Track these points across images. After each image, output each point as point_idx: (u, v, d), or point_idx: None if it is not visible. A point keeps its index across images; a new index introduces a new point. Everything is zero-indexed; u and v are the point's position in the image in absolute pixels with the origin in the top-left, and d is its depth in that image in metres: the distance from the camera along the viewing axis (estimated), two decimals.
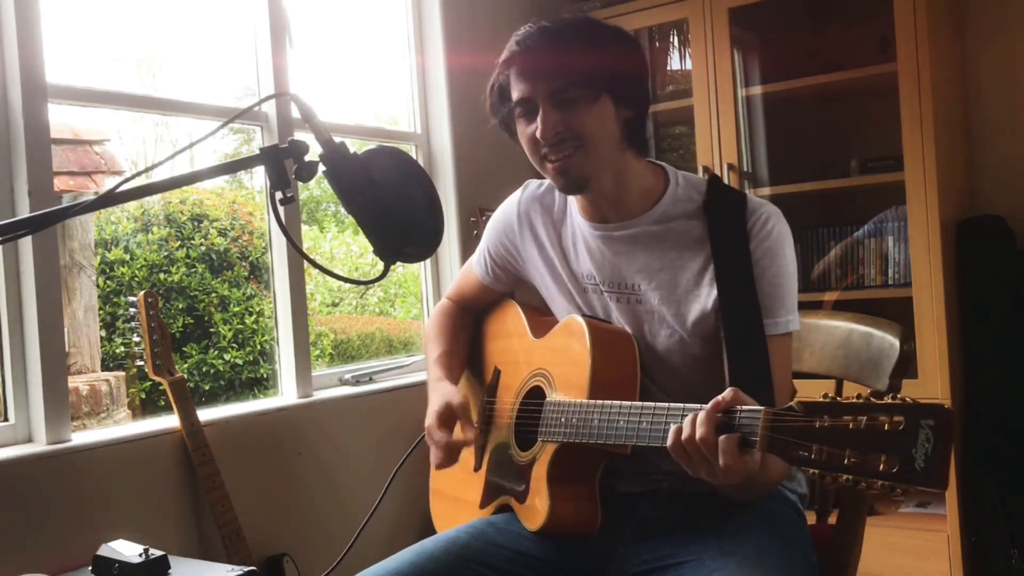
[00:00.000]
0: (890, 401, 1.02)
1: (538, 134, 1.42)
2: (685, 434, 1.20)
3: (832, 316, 1.68)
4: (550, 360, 1.56)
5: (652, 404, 1.31)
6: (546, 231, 1.60)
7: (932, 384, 2.69)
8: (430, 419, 1.55)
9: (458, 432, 1.53)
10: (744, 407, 1.17)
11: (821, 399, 1.08)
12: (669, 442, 1.22)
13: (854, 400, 1.05)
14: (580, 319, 1.48)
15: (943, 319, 2.69)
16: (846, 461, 1.03)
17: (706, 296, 1.43)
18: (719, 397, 1.19)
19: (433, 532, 1.64)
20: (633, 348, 1.47)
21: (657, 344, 1.48)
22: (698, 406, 1.22)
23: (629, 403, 1.35)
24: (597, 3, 3.27)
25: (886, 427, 1.00)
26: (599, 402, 1.38)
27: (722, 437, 1.16)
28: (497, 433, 1.63)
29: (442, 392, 1.59)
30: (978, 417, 2.79)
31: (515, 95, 1.45)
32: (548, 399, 1.50)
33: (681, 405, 1.26)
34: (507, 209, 1.68)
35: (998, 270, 2.83)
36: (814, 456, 1.06)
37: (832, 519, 1.58)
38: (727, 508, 1.40)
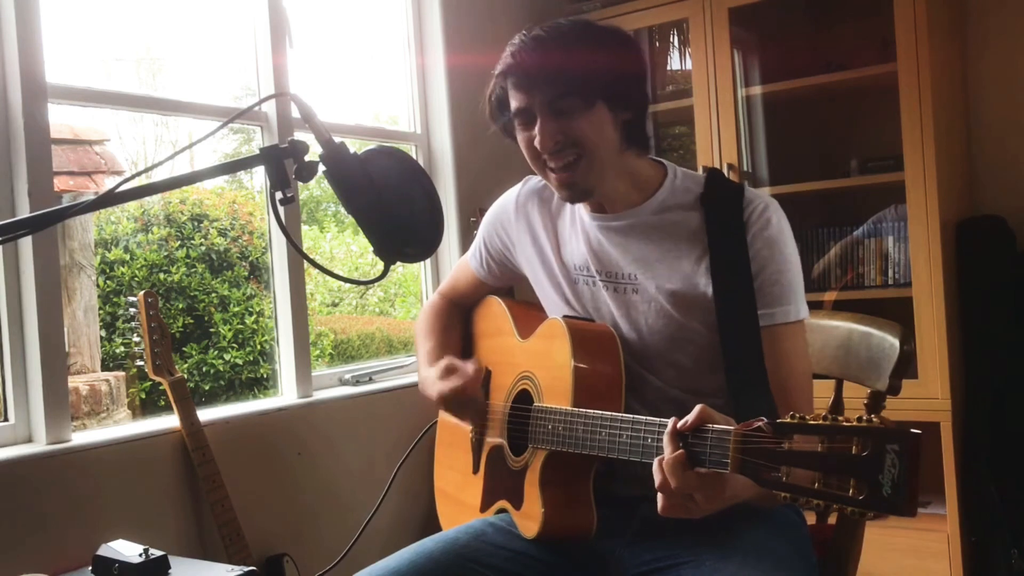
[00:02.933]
0: (856, 424, 1.00)
1: (537, 144, 1.43)
2: (658, 481, 1.17)
3: (832, 316, 1.68)
4: (534, 363, 1.55)
5: (632, 417, 1.31)
6: (542, 223, 1.61)
7: (932, 384, 2.69)
8: (433, 386, 1.58)
9: (464, 377, 1.56)
10: (715, 426, 1.15)
11: (789, 419, 1.06)
12: (660, 506, 1.19)
13: (821, 422, 1.03)
14: (561, 321, 1.48)
15: (943, 319, 2.69)
16: (816, 485, 1.02)
17: (703, 286, 1.43)
18: (686, 419, 1.17)
19: (434, 531, 1.64)
20: (616, 346, 1.46)
21: (654, 333, 1.47)
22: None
23: (611, 414, 1.35)
24: (597, 3, 3.27)
25: (853, 451, 0.99)
26: (582, 411, 1.38)
27: (667, 457, 1.15)
28: (492, 435, 1.63)
29: (437, 367, 1.61)
30: (978, 417, 2.79)
31: (513, 105, 1.45)
32: (535, 404, 1.50)
33: (657, 420, 1.26)
34: (505, 202, 1.68)
35: (998, 270, 2.83)
36: (785, 479, 1.05)
37: (832, 519, 1.58)
38: (727, 510, 1.40)
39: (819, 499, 1.01)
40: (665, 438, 1.18)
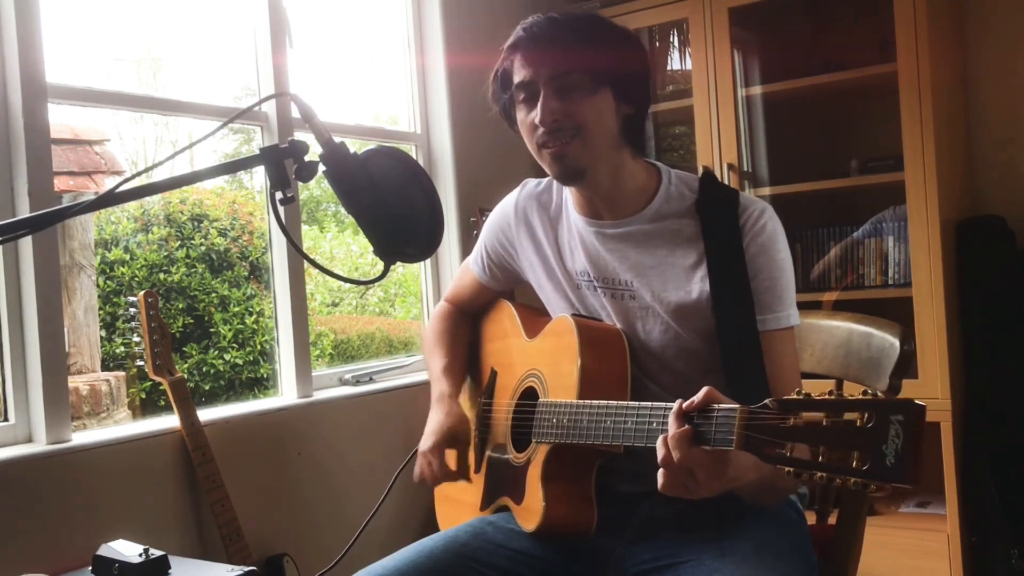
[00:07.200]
0: (860, 397, 1.01)
1: (537, 119, 1.43)
2: (661, 455, 1.18)
3: (832, 316, 1.68)
4: (542, 360, 1.56)
5: (636, 404, 1.32)
6: (542, 228, 1.61)
7: (932, 384, 2.69)
8: (431, 441, 1.58)
9: (452, 463, 1.57)
10: (721, 405, 1.16)
11: (794, 395, 1.07)
12: (660, 485, 1.19)
13: (826, 396, 1.05)
14: (569, 318, 1.48)
15: (943, 319, 2.69)
16: (820, 458, 1.02)
17: (699, 291, 1.44)
18: (693, 399, 1.18)
19: (434, 531, 1.64)
20: (623, 345, 1.47)
21: (652, 340, 1.48)
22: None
23: (616, 403, 1.35)
24: (597, 3, 3.27)
25: (857, 423, 1.00)
26: (588, 402, 1.39)
27: (672, 432, 1.16)
28: (495, 435, 1.63)
29: (449, 416, 1.60)
30: (978, 417, 2.79)
31: (517, 79, 1.46)
32: (540, 400, 1.50)
33: (663, 404, 1.26)
34: (504, 207, 1.68)
35: (998, 270, 2.83)
36: (789, 454, 1.05)
37: (832, 519, 1.58)
38: (727, 508, 1.40)
39: (822, 471, 1.02)
40: (671, 417, 1.18)
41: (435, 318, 1.83)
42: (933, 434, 2.66)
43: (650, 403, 1.30)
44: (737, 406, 1.13)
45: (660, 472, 1.17)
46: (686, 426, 1.16)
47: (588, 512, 1.44)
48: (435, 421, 1.60)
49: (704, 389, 1.18)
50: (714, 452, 1.15)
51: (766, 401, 1.10)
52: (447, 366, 1.71)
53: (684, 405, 1.18)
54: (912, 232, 2.76)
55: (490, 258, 1.72)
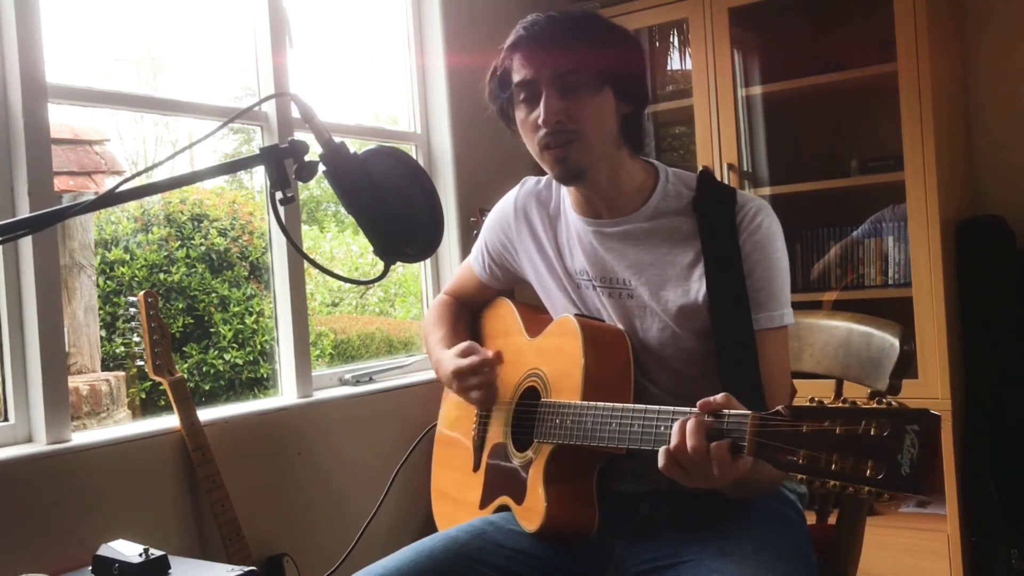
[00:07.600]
0: (875, 406, 1.01)
1: (540, 120, 1.42)
2: (675, 443, 1.19)
3: (832, 316, 1.68)
4: (544, 360, 1.56)
5: (643, 407, 1.31)
6: (542, 227, 1.61)
7: (932, 384, 2.69)
8: (450, 363, 1.60)
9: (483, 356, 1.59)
10: (732, 411, 1.16)
11: (808, 403, 1.07)
12: (661, 463, 1.21)
13: (840, 405, 1.04)
14: (572, 318, 1.48)
15: (943, 319, 2.69)
16: (833, 467, 1.02)
17: (696, 290, 1.44)
18: (712, 398, 1.19)
19: (434, 531, 1.64)
20: (626, 346, 1.47)
21: (650, 339, 1.48)
22: (688, 409, 1.22)
23: (622, 405, 1.35)
24: (596, 3, 3.27)
25: (872, 432, 1.00)
26: (592, 403, 1.39)
27: (713, 444, 1.16)
28: (495, 433, 1.63)
29: (452, 348, 1.63)
30: (978, 417, 2.79)
31: (517, 78, 1.45)
32: (543, 400, 1.50)
33: (671, 408, 1.26)
34: (504, 206, 1.68)
35: (998, 270, 2.83)
36: (802, 461, 1.05)
37: (832, 519, 1.58)
38: (727, 508, 1.40)
39: (836, 480, 1.02)
40: (690, 425, 1.19)
41: (434, 306, 1.84)
42: None
43: (657, 407, 1.29)
44: (749, 412, 1.14)
45: (664, 453, 1.19)
46: (708, 418, 1.17)
47: (589, 513, 1.44)
48: (447, 358, 1.64)
49: (723, 394, 1.19)
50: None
51: (779, 408, 1.10)
52: (443, 336, 1.73)
53: (701, 403, 1.19)
54: (912, 232, 2.76)
55: (491, 257, 1.72)
